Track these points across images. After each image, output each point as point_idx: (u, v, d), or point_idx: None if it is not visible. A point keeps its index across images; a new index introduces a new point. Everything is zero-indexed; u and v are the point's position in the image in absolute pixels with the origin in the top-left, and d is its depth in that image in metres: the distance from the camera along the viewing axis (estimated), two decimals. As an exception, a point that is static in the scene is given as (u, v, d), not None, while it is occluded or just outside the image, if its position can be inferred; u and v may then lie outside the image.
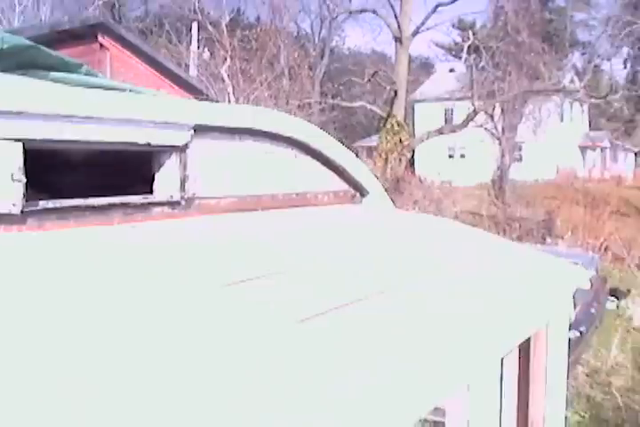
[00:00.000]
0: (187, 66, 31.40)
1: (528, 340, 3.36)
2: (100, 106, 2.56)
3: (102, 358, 1.56)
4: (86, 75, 3.81)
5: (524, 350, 3.45)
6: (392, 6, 34.21)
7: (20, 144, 2.35)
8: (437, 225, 4.17)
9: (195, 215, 2.99)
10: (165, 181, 2.94)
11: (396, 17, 34.07)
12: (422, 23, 35.45)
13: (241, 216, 3.12)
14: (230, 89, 29.54)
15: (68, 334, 1.64)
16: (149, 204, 2.85)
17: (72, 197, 2.60)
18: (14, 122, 2.32)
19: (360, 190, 4.04)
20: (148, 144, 2.77)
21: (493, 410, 2.71)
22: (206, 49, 35.89)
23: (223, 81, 30.12)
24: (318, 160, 3.68)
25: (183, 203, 2.97)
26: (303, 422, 1.51)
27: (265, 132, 3.29)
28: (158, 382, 1.51)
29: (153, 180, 2.96)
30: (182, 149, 2.94)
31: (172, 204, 2.93)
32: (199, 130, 2.97)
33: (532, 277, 3.50)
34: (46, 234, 2.37)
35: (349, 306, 2.18)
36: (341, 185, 3.91)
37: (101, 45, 15.31)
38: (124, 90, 3.34)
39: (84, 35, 14.36)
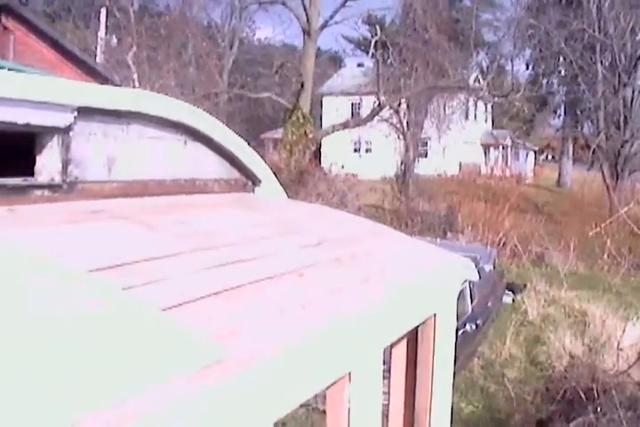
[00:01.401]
0: (94, 52, 30.86)
1: (416, 330, 3.39)
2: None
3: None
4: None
5: (412, 340, 3.48)
6: (302, -1, 34.22)
7: None
8: (332, 215, 4.17)
9: (77, 200, 2.90)
10: (47, 164, 2.84)
11: (305, 9, 34.05)
12: (331, 17, 35.58)
13: (126, 202, 3.04)
14: (135, 76, 29.17)
15: None
16: (29, 186, 2.76)
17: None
18: None
19: (252, 179, 3.99)
20: (28, 125, 2.67)
21: (376, 399, 2.71)
22: (114, 36, 35.35)
23: (129, 68, 29.71)
24: (209, 147, 3.63)
25: (65, 187, 2.88)
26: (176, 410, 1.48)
27: (153, 116, 3.21)
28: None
29: (34, 162, 2.86)
30: (65, 131, 2.85)
31: (53, 187, 2.84)
32: (83, 112, 2.88)
33: (421, 269, 3.53)
34: None
35: (233, 291, 2.14)
36: (233, 173, 3.86)
37: (5, 28, 14.86)
38: (7, 69, 3.23)
39: (-14, 16, 13.92)
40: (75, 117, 2.85)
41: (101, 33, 32.51)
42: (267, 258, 2.63)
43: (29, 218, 2.51)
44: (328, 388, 2.38)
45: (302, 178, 25.87)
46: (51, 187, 2.83)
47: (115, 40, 35.91)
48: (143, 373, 1.52)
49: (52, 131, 2.81)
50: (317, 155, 39.97)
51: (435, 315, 3.43)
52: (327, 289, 2.55)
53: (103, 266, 2.00)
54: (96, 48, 31.51)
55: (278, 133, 39.11)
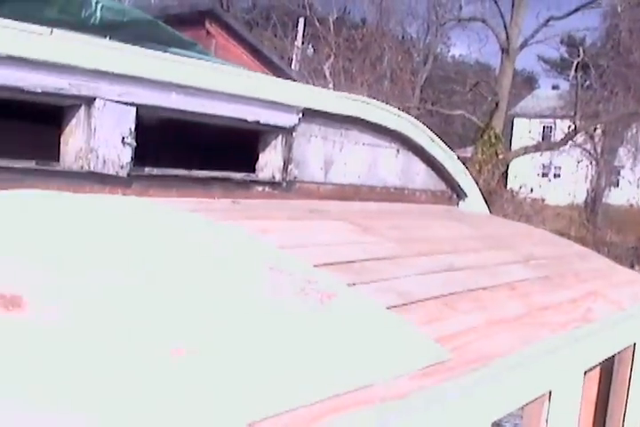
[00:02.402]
0: (290, 60, 31.56)
1: (612, 359, 3.29)
2: (214, 80, 2.60)
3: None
4: (200, 54, 3.89)
5: (607, 368, 3.38)
6: (502, 17, 33.75)
7: (134, 109, 2.40)
8: (536, 234, 4.12)
9: (294, 198, 3.01)
10: (269, 162, 2.97)
11: (505, 28, 33.58)
12: (532, 36, 34.87)
13: (340, 204, 3.13)
14: (331, 86, 29.64)
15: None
16: (251, 182, 2.89)
17: (176, 167, 2.65)
18: (130, 87, 2.38)
19: (458, 192, 4.00)
20: (257, 122, 2.80)
21: (572, 421, 2.66)
22: (310, 45, 36.02)
23: (325, 78, 30.23)
24: (420, 158, 3.67)
25: (284, 185, 3.00)
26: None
27: (371, 123, 3.29)
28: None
29: (257, 159, 3.00)
30: (289, 131, 2.96)
31: (274, 184, 2.96)
32: (307, 114, 2.99)
33: (626, 295, 3.42)
34: (149, 200, 2.41)
35: (450, 297, 2.16)
36: (440, 185, 3.89)
37: (208, 32, 15.45)
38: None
39: (191, 20, 14.47)
40: (299, 119, 2.96)
41: (298, 42, 33.26)
42: (479, 269, 2.63)
43: (252, 211, 2.62)
44: (528, 404, 2.35)
45: (490, 198, 25.46)
46: (271, 184, 2.95)
47: (311, 50, 36.63)
48: (371, 367, 1.57)
49: (278, 130, 2.93)
50: (505, 176, 39.29)
51: (634, 344, 3.32)
52: (537, 305, 2.52)
53: (326, 262, 2.07)
54: (291, 57, 32.23)
55: (466, 152, 38.65)
